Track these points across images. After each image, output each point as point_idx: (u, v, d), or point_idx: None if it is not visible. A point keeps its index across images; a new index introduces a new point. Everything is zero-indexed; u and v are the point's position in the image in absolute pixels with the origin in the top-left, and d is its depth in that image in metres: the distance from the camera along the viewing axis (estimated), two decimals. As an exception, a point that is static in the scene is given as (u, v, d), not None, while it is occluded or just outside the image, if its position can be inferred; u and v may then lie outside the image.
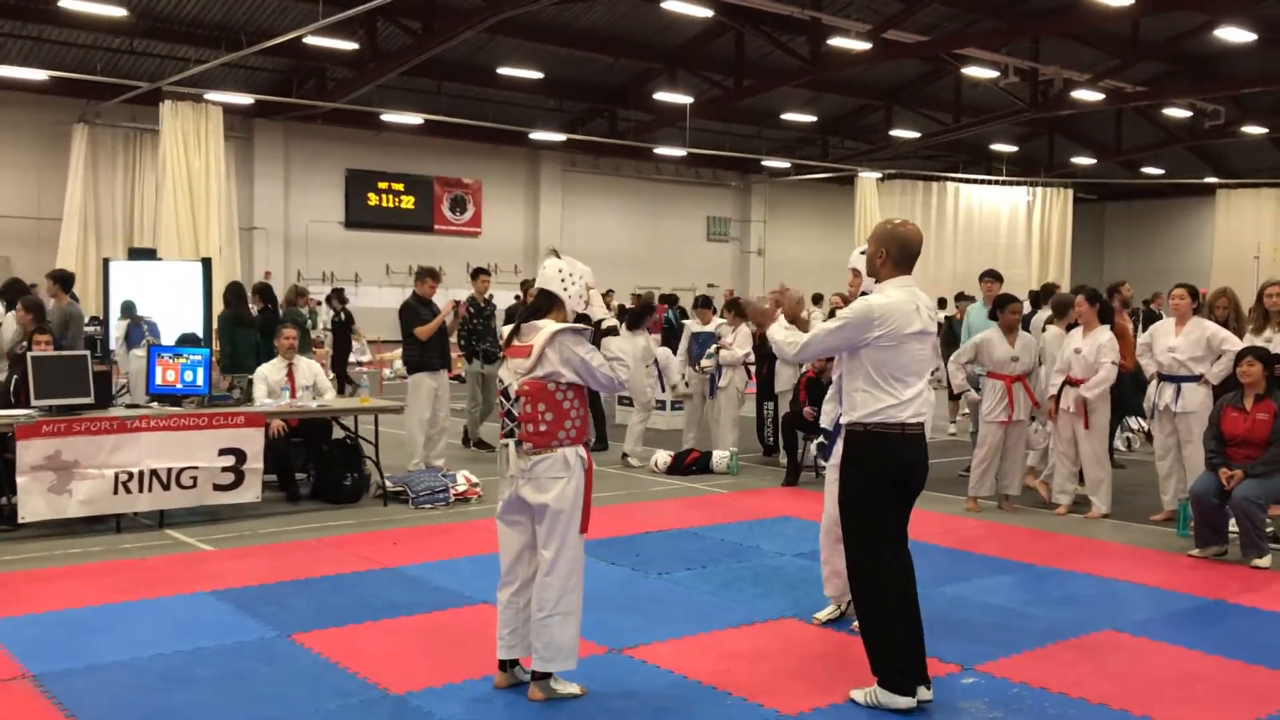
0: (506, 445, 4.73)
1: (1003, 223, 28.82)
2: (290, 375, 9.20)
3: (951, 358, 9.24)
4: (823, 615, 5.91)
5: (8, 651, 5.22)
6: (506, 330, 4.90)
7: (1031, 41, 21.81)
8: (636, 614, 5.96)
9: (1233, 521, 7.30)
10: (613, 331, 4.82)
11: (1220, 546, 7.35)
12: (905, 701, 4.57)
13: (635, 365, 10.92)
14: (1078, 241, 30.11)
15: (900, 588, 4.66)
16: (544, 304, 4.78)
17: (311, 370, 9.47)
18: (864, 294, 5.03)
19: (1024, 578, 6.93)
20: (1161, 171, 31.47)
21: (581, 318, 4.80)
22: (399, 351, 13.26)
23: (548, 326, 4.66)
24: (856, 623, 5.74)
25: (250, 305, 12.16)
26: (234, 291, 11.33)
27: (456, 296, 11.68)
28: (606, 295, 13.14)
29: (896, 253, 4.75)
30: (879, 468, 4.67)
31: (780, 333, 4.93)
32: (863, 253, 5.78)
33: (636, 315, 11.85)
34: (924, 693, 4.63)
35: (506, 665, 4.85)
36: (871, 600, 4.69)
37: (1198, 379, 8.19)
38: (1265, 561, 7.09)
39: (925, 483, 4.91)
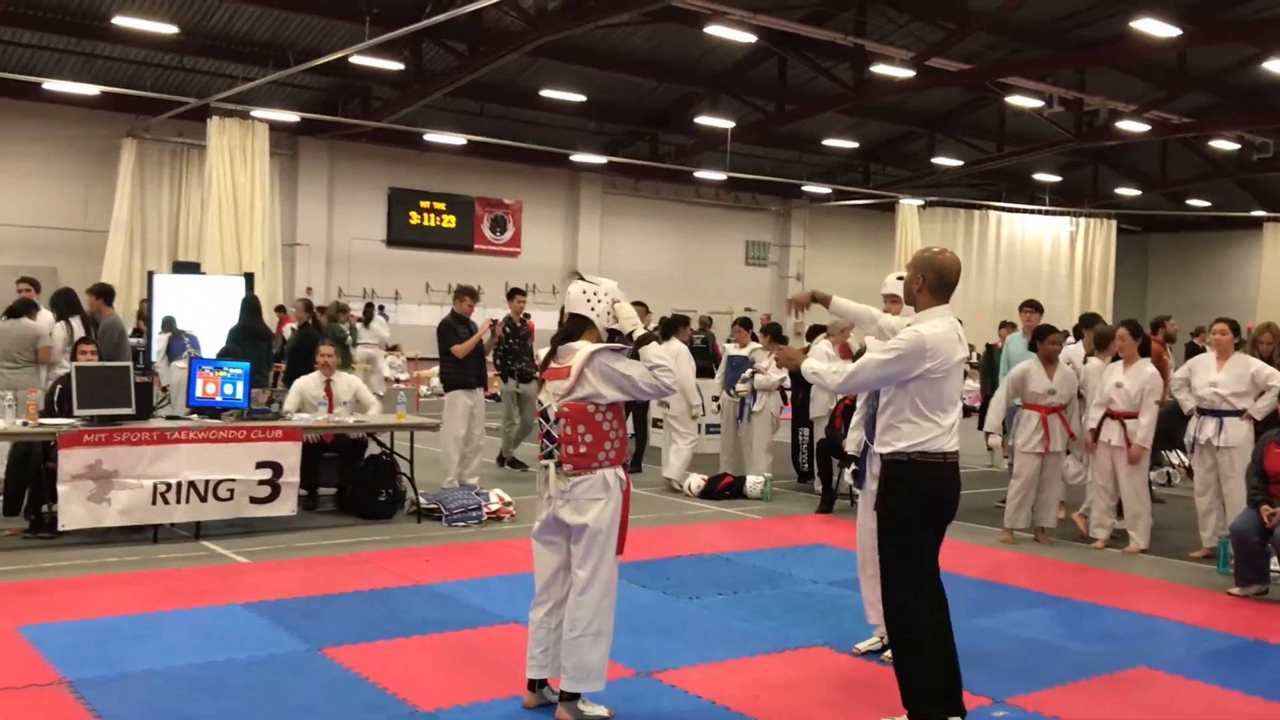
0: (546, 467, 4.73)
1: (1045, 252, 28.63)
2: (329, 390, 9.28)
3: (995, 398, 9.11)
4: (863, 645, 5.85)
5: (44, 657, 5.29)
6: (542, 353, 4.93)
7: (1077, 71, 21.66)
8: (666, 637, 5.95)
9: (1275, 560, 7.19)
10: (649, 340, 4.79)
11: (1261, 585, 7.24)
12: None
13: (677, 366, 10.94)
14: (1120, 273, 29.85)
15: (935, 619, 4.61)
16: (576, 327, 4.80)
17: (351, 385, 9.56)
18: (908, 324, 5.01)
19: (1058, 611, 6.85)
20: (1207, 204, 31.14)
21: (614, 334, 4.81)
22: (436, 369, 13.31)
23: (584, 348, 4.68)
24: (889, 653, 5.73)
25: (292, 316, 12.29)
26: (246, 305, 11.40)
27: (494, 316, 11.74)
28: (640, 309, 13.11)
29: (934, 280, 4.71)
30: (923, 497, 4.63)
31: (820, 364, 4.88)
32: (900, 278, 5.78)
33: (669, 327, 11.83)
34: None
35: (536, 685, 4.85)
36: (907, 631, 4.64)
37: (1240, 414, 8.08)
38: (1306, 601, 6.97)
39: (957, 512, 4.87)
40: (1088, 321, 11.83)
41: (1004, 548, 8.67)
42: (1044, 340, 8.84)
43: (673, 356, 10.97)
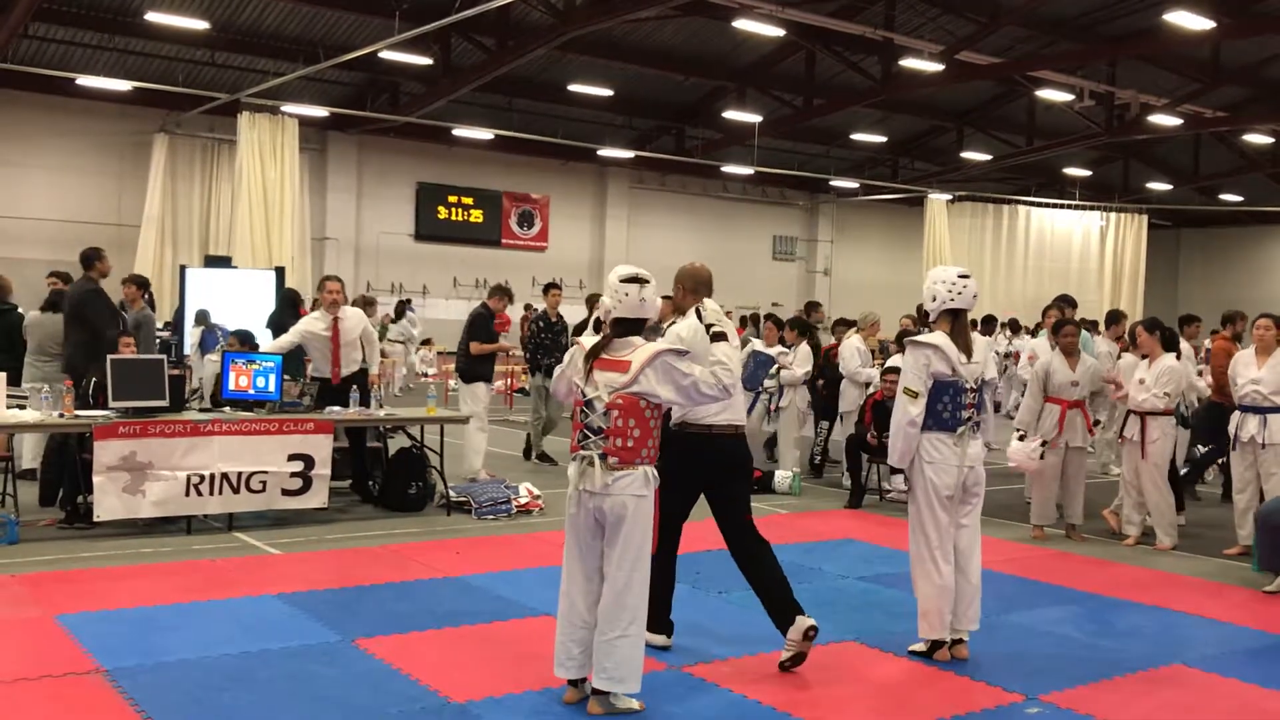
0: (587, 459, 4.67)
1: (1074, 248, 28.43)
2: (335, 328, 9.22)
3: (1027, 394, 8.99)
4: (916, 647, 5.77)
5: (81, 646, 5.35)
6: (586, 340, 4.83)
7: (1108, 64, 21.51)
8: (696, 632, 5.94)
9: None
10: (721, 337, 5.14)
11: None
12: (659, 640, 5.48)
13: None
14: (1151, 269, 29.62)
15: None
16: (634, 326, 4.76)
17: (360, 322, 9.52)
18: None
19: (1091, 608, 6.80)
20: (1240, 199, 30.84)
21: (643, 321, 4.83)
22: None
23: (648, 345, 4.68)
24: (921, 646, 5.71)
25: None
26: (282, 299, 11.49)
27: (524, 311, 11.84)
28: (670, 303, 13.11)
29: (690, 284, 5.50)
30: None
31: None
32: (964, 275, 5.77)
33: None
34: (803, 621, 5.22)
35: (576, 683, 4.83)
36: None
37: None
38: (1343, 599, 6.90)
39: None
40: (1114, 318, 11.74)
41: (1035, 544, 8.62)
42: (1059, 333, 8.90)
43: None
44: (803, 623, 5.26)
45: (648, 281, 4.77)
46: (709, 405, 5.10)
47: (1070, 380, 8.63)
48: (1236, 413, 8.27)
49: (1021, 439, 8.57)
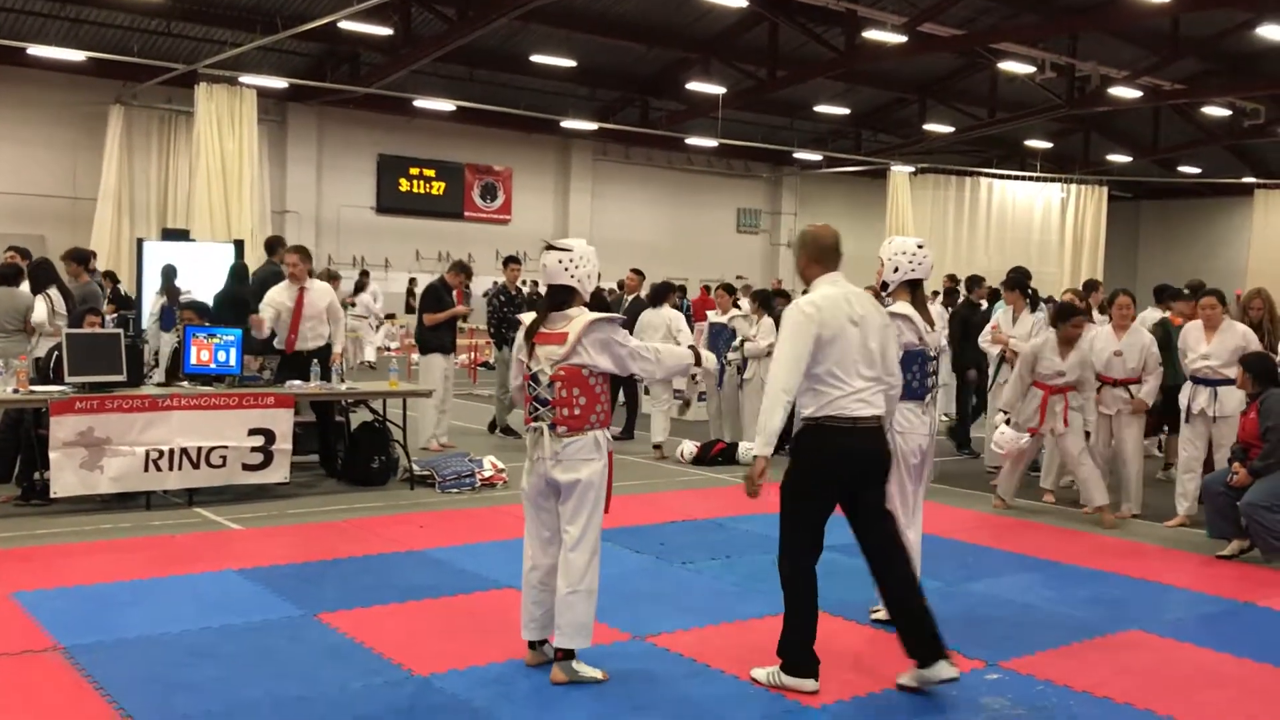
0: (537, 429, 4.77)
1: (1036, 220, 28.60)
2: (300, 299, 9.18)
3: (1013, 375, 8.74)
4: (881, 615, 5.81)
5: (38, 624, 5.29)
6: (526, 318, 4.94)
7: (1069, 37, 21.59)
8: (660, 602, 5.97)
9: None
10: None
11: (1240, 541, 7.29)
12: (809, 685, 4.70)
13: (681, 333, 11.14)
14: (1111, 240, 29.84)
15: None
16: (563, 295, 4.81)
17: (326, 295, 9.48)
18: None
19: (1052, 575, 6.88)
20: (1198, 171, 31.13)
21: (600, 303, 4.85)
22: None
23: (581, 316, 4.74)
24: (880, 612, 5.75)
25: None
26: (233, 272, 11.35)
27: (486, 285, 11.83)
28: (636, 276, 13.10)
29: (815, 252, 4.94)
30: (824, 461, 4.82)
31: (764, 427, 4.73)
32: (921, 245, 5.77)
33: (658, 294, 11.76)
34: (946, 669, 4.62)
35: (536, 644, 4.93)
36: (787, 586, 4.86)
37: (1233, 383, 8.10)
38: (1296, 565, 7.02)
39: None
40: (1090, 286, 11.81)
41: (995, 513, 8.69)
42: (1067, 322, 8.41)
43: (665, 323, 11.10)
44: (945, 670, 4.64)
45: (567, 250, 4.82)
46: (850, 395, 4.67)
47: (1057, 370, 8.33)
48: (1188, 384, 8.39)
49: (1008, 423, 8.52)
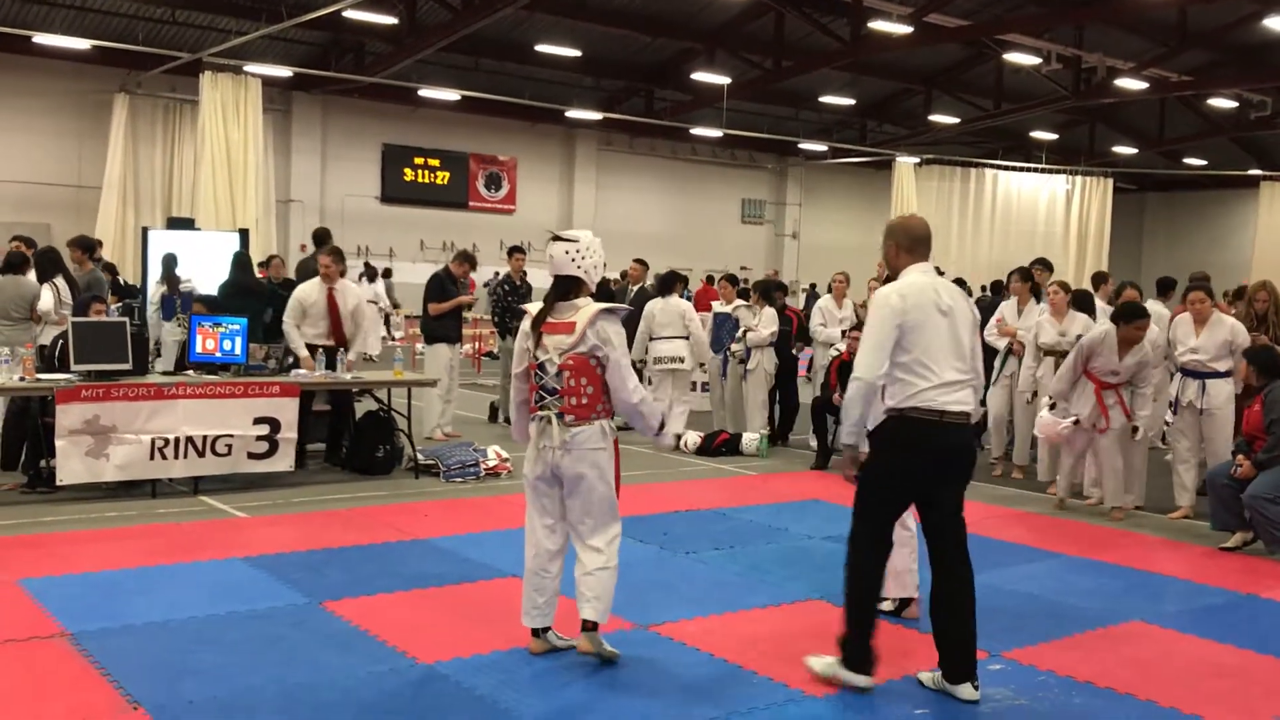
0: (545, 417, 4.78)
1: (1041, 211, 28.55)
2: (331, 298, 9.16)
3: (1064, 364, 8.53)
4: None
5: (46, 610, 5.31)
6: (532, 308, 4.94)
7: (1075, 28, 21.54)
8: (664, 592, 5.99)
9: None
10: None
11: (1244, 533, 7.31)
12: (864, 681, 4.61)
13: (691, 324, 11.25)
14: (1116, 232, 29.80)
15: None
16: (570, 286, 4.83)
17: (356, 296, 9.45)
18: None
19: (1054, 566, 6.90)
20: (1204, 162, 31.07)
21: (605, 293, 4.89)
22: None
23: (589, 306, 4.77)
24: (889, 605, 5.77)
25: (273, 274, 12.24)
26: (237, 261, 11.38)
27: (489, 275, 11.86)
28: (640, 266, 13.10)
29: (905, 241, 4.75)
30: (904, 453, 4.64)
31: (852, 405, 4.57)
32: None
33: (665, 283, 11.69)
34: (968, 691, 4.57)
35: (539, 632, 4.96)
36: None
37: (1223, 375, 8.12)
38: (1298, 557, 7.03)
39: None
40: (1099, 279, 11.82)
41: (995, 504, 8.70)
42: (1131, 324, 7.97)
43: (680, 314, 11.11)
44: (966, 693, 4.56)
45: (574, 240, 4.84)
46: (938, 386, 4.50)
47: (1112, 369, 8.11)
48: (1178, 376, 8.40)
49: (1052, 409, 8.38)
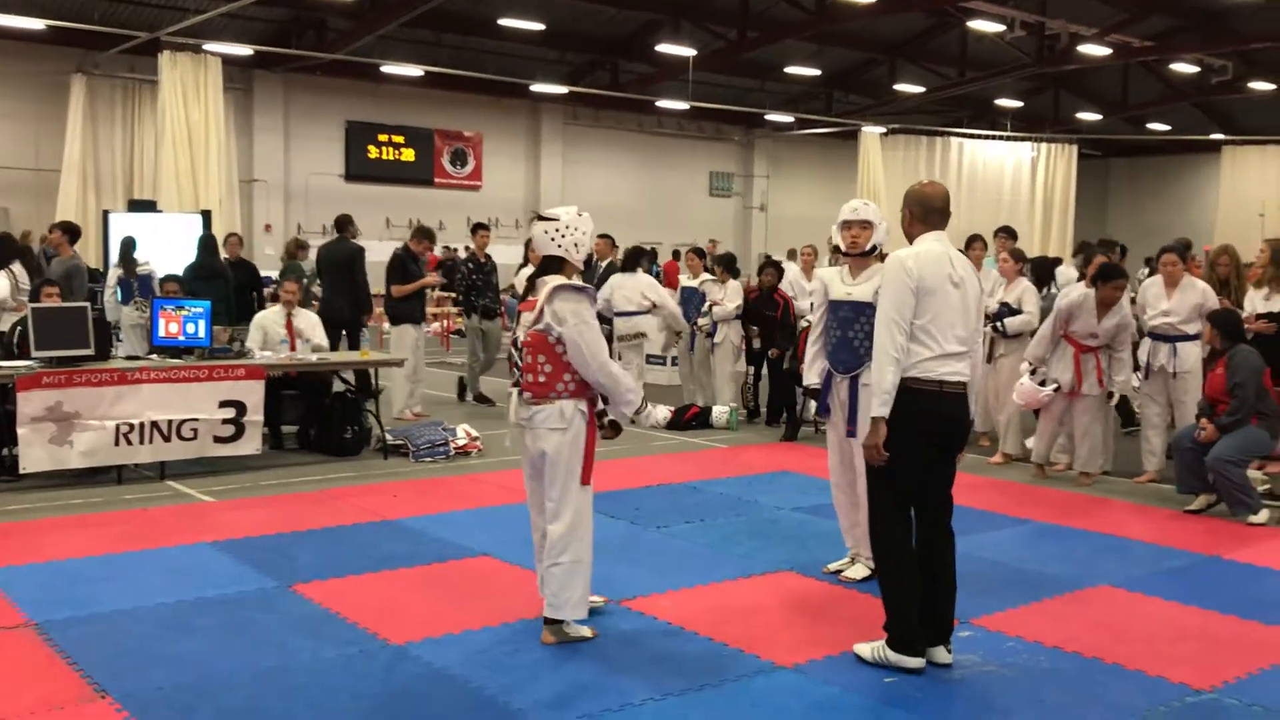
0: (512, 393, 4.91)
1: (1006, 179, 28.63)
2: (289, 325, 9.25)
3: (1041, 329, 8.54)
4: (833, 565, 5.95)
5: (10, 600, 5.26)
6: (517, 280, 5.06)
7: (1038, -6, 21.58)
8: (636, 566, 6.00)
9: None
10: None
11: (1208, 495, 7.40)
12: (914, 662, 4.56)
13: (659, 295, 11.12)
14: (1081, 198, 29.93)
15: (904, 545, 4.63)
16: (554, 265, 4.86)
17: (311, 322, 9.52)
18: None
19: (1022, 532, 6.96)
20: (1167, 128, 31.24)
21: (588, 265, 4.90)
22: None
23: (550, 280, 4.76)
24: (850, 573, 5.84)
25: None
26: (202, 243, 11.26)
27: (454, 252, 11.80)
28: (606, 241, 13.06)
29: (920, 211, 4.72)
30: (910, 423, 4.55)
31: (881, 384, 4.50)
32: (866, 203, 5.79)
33: (630, 259, 11.63)
34: (942, 654, 4.62)
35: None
36: (880, 556, 4.71)
37: (1192, 338, 8.18)
38: (1261, 518, 7.12)
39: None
40: (1081, 248, 11.93)
41: (962, 471, 8.73)
42: (1109, 283, 8.04)
43: (640, 290, 11.06)
44: (940, 656, 4.63)
45: (553, 219, 4.84)
46: (939, 357, 4.49)
47: (1091, 331, 8.13)
48: (1147, 340, 8.45)
49: (1032, 373, 8.34)
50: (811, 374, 5.93)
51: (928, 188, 4.80)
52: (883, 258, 5.55)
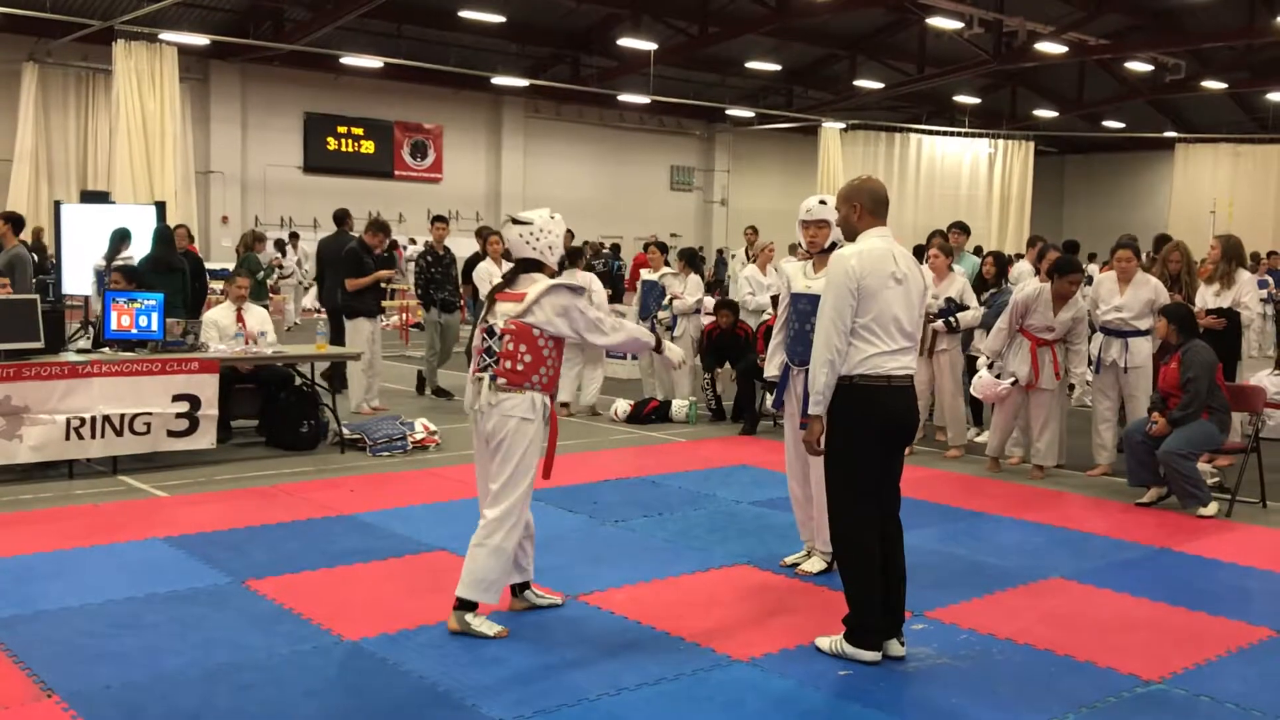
0: (480, 379, 4.88)
1: (964, 175, 28.91)
2: (241, 319, 9.19)
3: (998, 323, 8.57)
4: (790, 559, 5.98)
5: (-44, 597, 5.17)
6: (484, 275, 5.06)
7: (997, -8, 21.77)
8: (592, 561, 5.99)
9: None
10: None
11: (1159, 488, 7.50)
12: (869, 656, 4.60)
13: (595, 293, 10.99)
14: (1038, 194, 30.28)
15: (869, 541, 4.64)
16: (530, 268, 4.95)
17: (260, 317, 9.46)
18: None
19: (974, 525, 7.02)
20: (1122, 125, 31.62)
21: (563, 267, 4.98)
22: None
23: (544, 280, 4.87)
24: (807, 565, 5.87)
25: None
26: (158, 235, 11.10)
27: (413, 245, 11.78)
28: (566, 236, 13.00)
29: (869, 204, 4.74)
30: (862, 419, 4.60)
31: (819, 378, 4.57)
32: (822, 202, 5.78)
33: (569, 257, 11.54)
34: (895, 647, 4.66)
35: (517, 590, 5.11)
36: (842, 551, 4.73)
37: (1144, 334, 8.28)
38: (1210, 510, 7.23)
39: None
40: (1032, 242, 12.03)
41: (913, 463, 8.81)
42: (1064, 277, 8.15)
43: (585, 284, 10.99)
44: (893, 649, 4.66)
45: (527, 223, 4.94)
46: (885, 353, 4.55)
47: (1047, 324, 8.21)
48: (1099, 335, 8.55)
49: (990, 368, 8.37)
50: (771, 366, 5.98)
51: (871, 182, 4.83)
52: None
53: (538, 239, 4.91)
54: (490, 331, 4.89)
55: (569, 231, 13.25)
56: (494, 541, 4.79)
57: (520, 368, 4.79)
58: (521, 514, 4.88)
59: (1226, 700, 4.35)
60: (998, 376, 8.39)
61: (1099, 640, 4.94)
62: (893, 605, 4.65)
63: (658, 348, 5.29)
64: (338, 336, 10.59)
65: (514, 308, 4.83)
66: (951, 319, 9.03)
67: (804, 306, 5.69)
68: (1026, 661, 4.70)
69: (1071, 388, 8.40)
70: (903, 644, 4.67)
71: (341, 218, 11.88)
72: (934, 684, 4.48)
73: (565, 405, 10.98)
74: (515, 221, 4.97)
